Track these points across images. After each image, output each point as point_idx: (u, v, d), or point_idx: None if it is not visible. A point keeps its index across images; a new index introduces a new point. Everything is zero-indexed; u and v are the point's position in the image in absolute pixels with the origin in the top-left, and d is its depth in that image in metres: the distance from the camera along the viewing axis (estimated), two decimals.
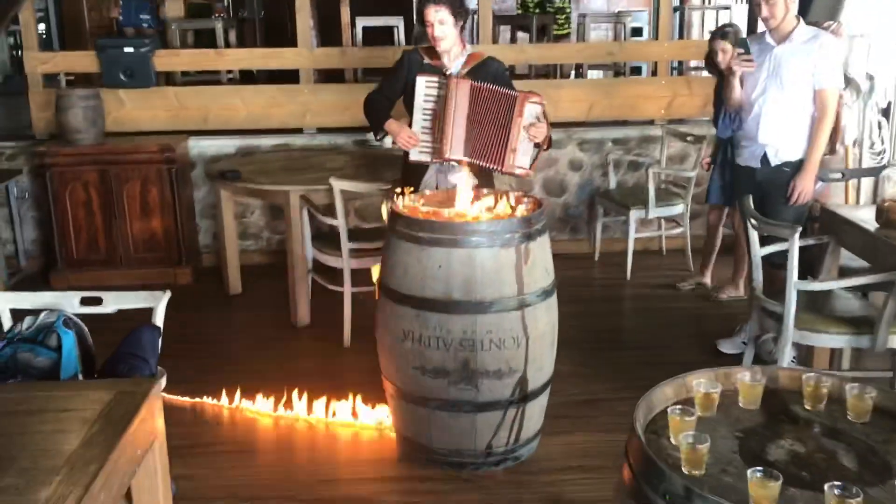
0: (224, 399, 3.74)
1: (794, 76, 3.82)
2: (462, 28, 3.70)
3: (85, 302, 2.58)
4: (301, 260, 4.60)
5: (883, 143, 6.12)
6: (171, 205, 5.24)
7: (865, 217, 3.55)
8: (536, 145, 3.56)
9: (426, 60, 3.77)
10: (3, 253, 5.29)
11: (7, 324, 2.53)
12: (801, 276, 3.30)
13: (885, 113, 6.03)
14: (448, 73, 3.69)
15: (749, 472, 1.37)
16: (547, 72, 6.83)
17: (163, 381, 2.46)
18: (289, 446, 3.42)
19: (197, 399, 3.77)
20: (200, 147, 5.69)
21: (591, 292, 5.24)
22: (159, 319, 2.54)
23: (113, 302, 2.58)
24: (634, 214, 5.29)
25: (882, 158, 5.83)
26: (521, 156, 3.49)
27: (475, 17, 6.45)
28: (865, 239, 3.46)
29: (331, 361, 4.25)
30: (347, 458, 3.34)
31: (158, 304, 2.54)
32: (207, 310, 4.96)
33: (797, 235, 3.25)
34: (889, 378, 3.43)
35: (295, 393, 3.72)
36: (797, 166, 3.90)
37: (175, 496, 2.38)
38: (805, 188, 3.86)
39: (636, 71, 7.38)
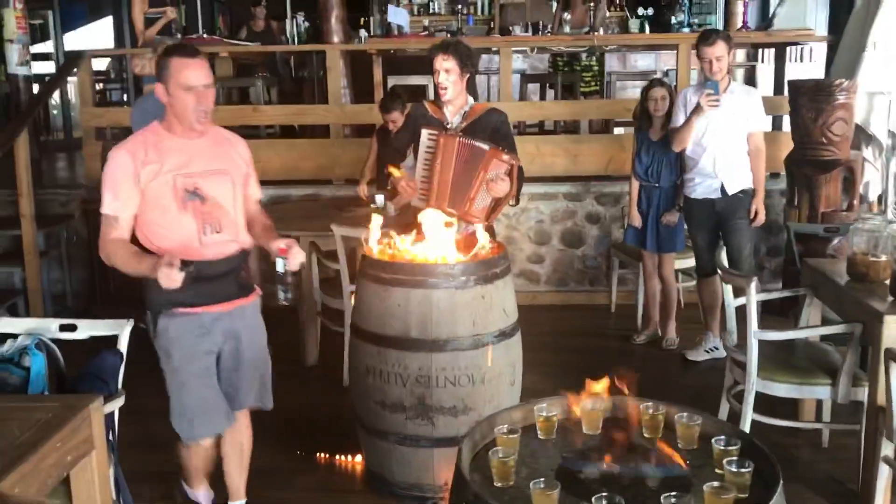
0: None
1: (734, 121, 4.50)
2: (468, 81, 3.90)
3: (62, 328, 2.87)
4: (310, 302, 4.85)
5: None
6: None
7: (841, 270, 3.56)
8: (497, 199, 3.67)
9: (430, 114, 3.99)
10: (51, 291, 5.73)
11: None
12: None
13: None
14: (448, 126, 3.90)
15: (532, 483, 1.49)
16: (575, 127, 6.99)
17: (120, 400, 2.71)
18: (268, 473, 3.60)
19: None
20: None
21: (597, 343, 5.29)
22: (123, 345, 2.80)
23: (86, 329, 2.86)
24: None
25: None
26: (477, 206, 3.63)
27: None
28: (835, 291, 3.47)
29: (327, 399, 4.45)
30: (318, 485, 3.51)
31: (122, 331, 2.81)
32: None
33: (754, 286, 3.31)
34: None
35: (287, 426, 3.93)
36: (748, 192, 4.61)
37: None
38: (762, 210, 4.64)
39: None
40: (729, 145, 4.54)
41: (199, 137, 2.82)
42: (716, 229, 4.68)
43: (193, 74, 2.70)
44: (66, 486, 2.31)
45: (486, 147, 3.60)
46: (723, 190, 4.58)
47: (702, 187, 4.64)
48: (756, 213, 4.61)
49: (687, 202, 4.77)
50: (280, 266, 2.83)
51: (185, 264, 2.56)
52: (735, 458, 1.59)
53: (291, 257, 2.81)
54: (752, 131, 4.55)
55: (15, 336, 2.80)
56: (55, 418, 2.25)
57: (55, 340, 2.82)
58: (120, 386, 2.79)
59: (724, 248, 4.66)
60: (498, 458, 1.61)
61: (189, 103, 2.72)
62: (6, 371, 2.67)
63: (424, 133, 3.81)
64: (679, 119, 4.61)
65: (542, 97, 7.68)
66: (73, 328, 2.86)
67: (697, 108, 4.40)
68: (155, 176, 2.72)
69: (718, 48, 4.40)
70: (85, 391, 2.66)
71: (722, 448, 1.66)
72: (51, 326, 2.85)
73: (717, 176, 4.57)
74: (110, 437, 2.75)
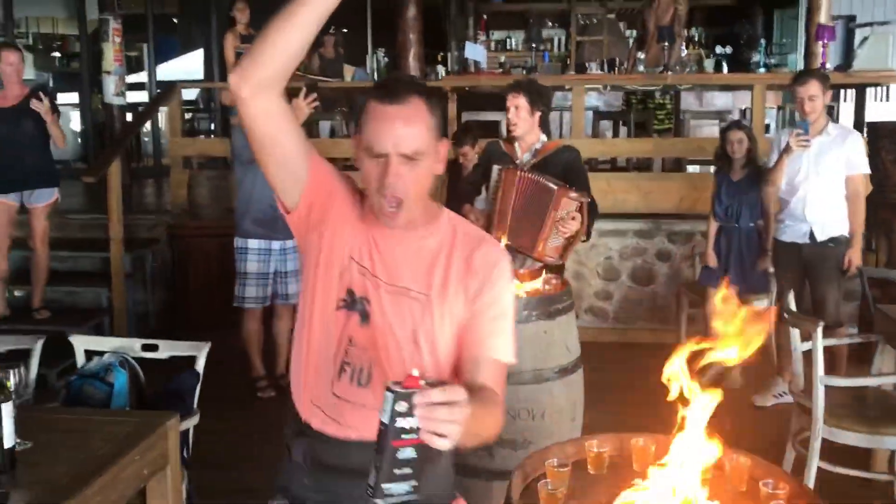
0: None
1: (831, 163, 4.34)
2: (540, 118, 3.99)
3: (145, 348, 3.05)
4: None
5: None
6: None
7: None
8: (568, 238, 3.72)
9: (503, 150, 4.10)
10: (134, 312, 6.01)
11: (81, 361, 3.02)
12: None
13: None
14: (517, 161, 3.99)
15: None
16: (648, 165, 7.00)
17: (195, 419, 2.86)
18: None
19: None
20: None
21: (663, 382, 5.23)
22: (200, 366, 2.96)
23: (166, 349, 3.03)
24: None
25: None
26: (550, 245, 3.68)
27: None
28: None
29: None
30: None
31: (200, 353, 2.96)
32: None
33: (820, 331, 3.27)
34: None
35: None
36: (840, 241, 4.38)
37: None
38: (856, 260, 4.38)
39: None
40: (821, 189, 4.37)
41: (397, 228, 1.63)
42: (801, 275, 4.50)
43: (386, 131, 1.54)
44: (141, 498, 2.45)
45: (554, 186, 3.64)
46: (812, 236, 4.41)
47: (791, 230, 4.50)
48: (849, 263, 4.38)
49: (775, 244, 4.66)
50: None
51: None
52: (782, 501, 1.61)
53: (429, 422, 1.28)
54: (851, 174, 4.36)
55: (101, 353, 3.00)
56: (134, 433, 2.39)
57: (137, 359, 3.00)
58: (195, 405, 2.95)
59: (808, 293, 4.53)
60: (547, 491, 1.66)
61: (372, 177, 1.57)
62: (92, 386, 2.85)
63: (494, 169, 3.92)
64: (773, 159, 4.54)
65: (616, 134, 7.73)
66: (154, 348, 3.04)
67: (787, 149, 4.31)
68: (333, 234, 1.67)
69: (812, 87, 4.29)
70: (163, 408, 2.82)
71: (770, 491, 1.68)
72: (134, 346, 3.03)
73: (806, 220, 4.41)
74: (184, 454, 2.89)
